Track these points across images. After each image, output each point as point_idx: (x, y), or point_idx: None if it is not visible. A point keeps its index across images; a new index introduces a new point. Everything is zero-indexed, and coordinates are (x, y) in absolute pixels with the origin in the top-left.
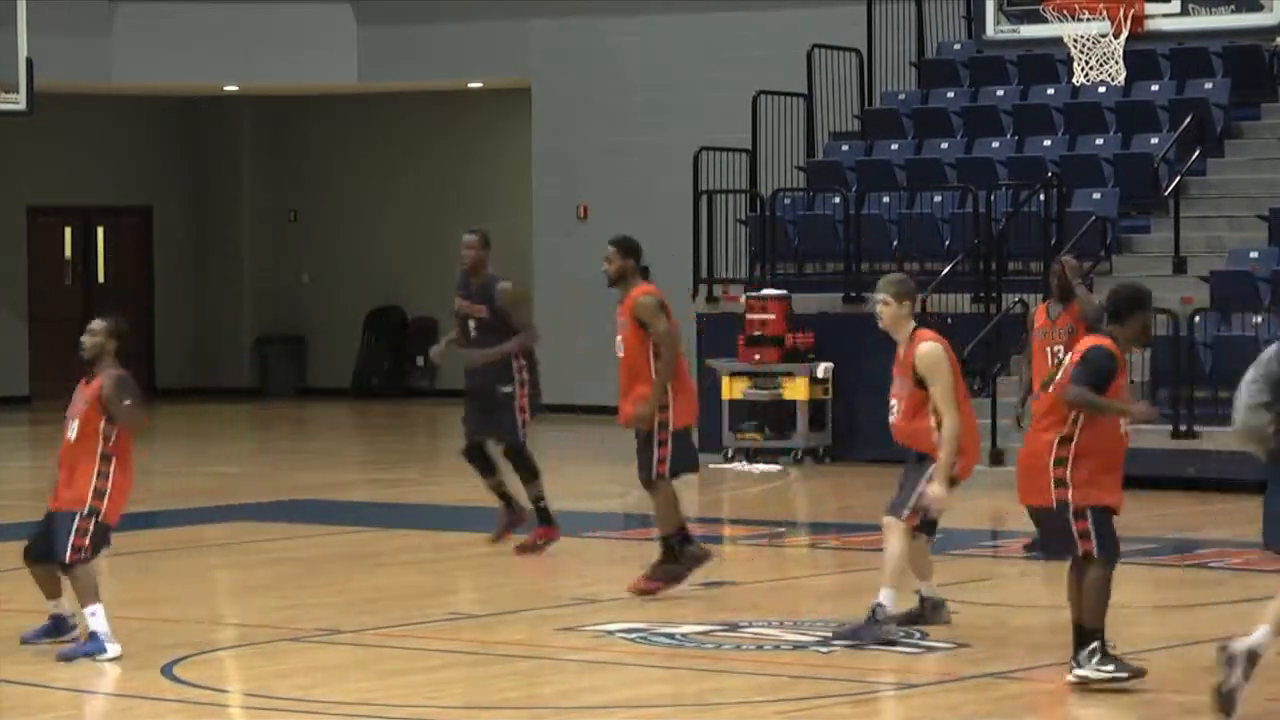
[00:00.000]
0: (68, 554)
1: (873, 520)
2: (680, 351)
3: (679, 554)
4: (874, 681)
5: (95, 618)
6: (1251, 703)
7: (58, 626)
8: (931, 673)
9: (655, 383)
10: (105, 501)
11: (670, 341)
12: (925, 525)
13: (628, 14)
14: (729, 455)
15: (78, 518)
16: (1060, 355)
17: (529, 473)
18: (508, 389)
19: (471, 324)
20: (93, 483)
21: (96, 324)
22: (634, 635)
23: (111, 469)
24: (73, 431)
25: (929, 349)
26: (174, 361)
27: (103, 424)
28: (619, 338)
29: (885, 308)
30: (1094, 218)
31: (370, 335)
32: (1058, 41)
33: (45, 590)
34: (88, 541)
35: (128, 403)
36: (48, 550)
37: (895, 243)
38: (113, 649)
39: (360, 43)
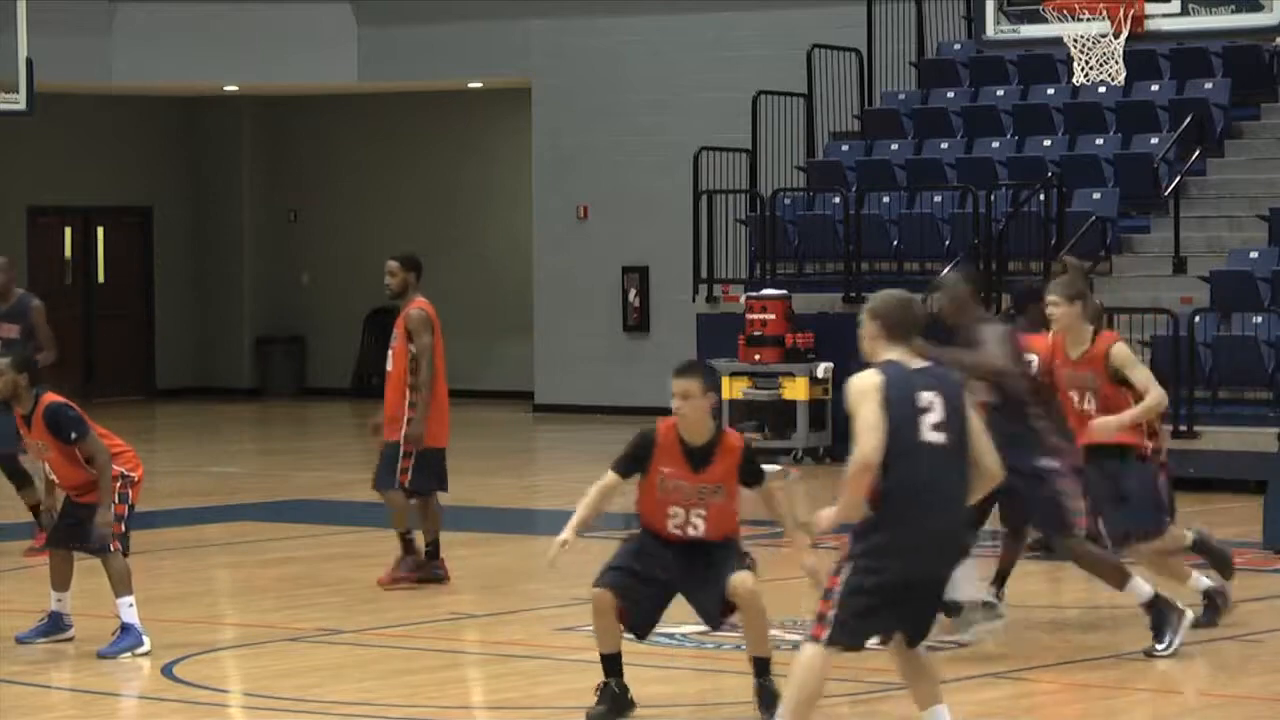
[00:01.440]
0: (109, 544)
1: None
2: (440, 372)
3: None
4: (874, 681)
5: (131, 609)
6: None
7: (55, 624)
8: None
9: (420, 397)
10: (129, 488)
11: (429, 357)
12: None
13: (628, 14)
14: None
15: (110, 509)
16: None
17: (21, 481)
18: None
19: (0, 345)
20: (109, 484)
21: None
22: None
23: (117, 464)
24: (51, 471)
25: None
26: (174, 361)
27: (75, 452)
28: (390, 350)
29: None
30: (1094, 218)
31: (370, 335)
32: (1058, 41)
33: (56, 581)
34: (125, 528)
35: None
36: (71, 537)
37: (895, 243)
38: (147, 641)
39: (360, 43)
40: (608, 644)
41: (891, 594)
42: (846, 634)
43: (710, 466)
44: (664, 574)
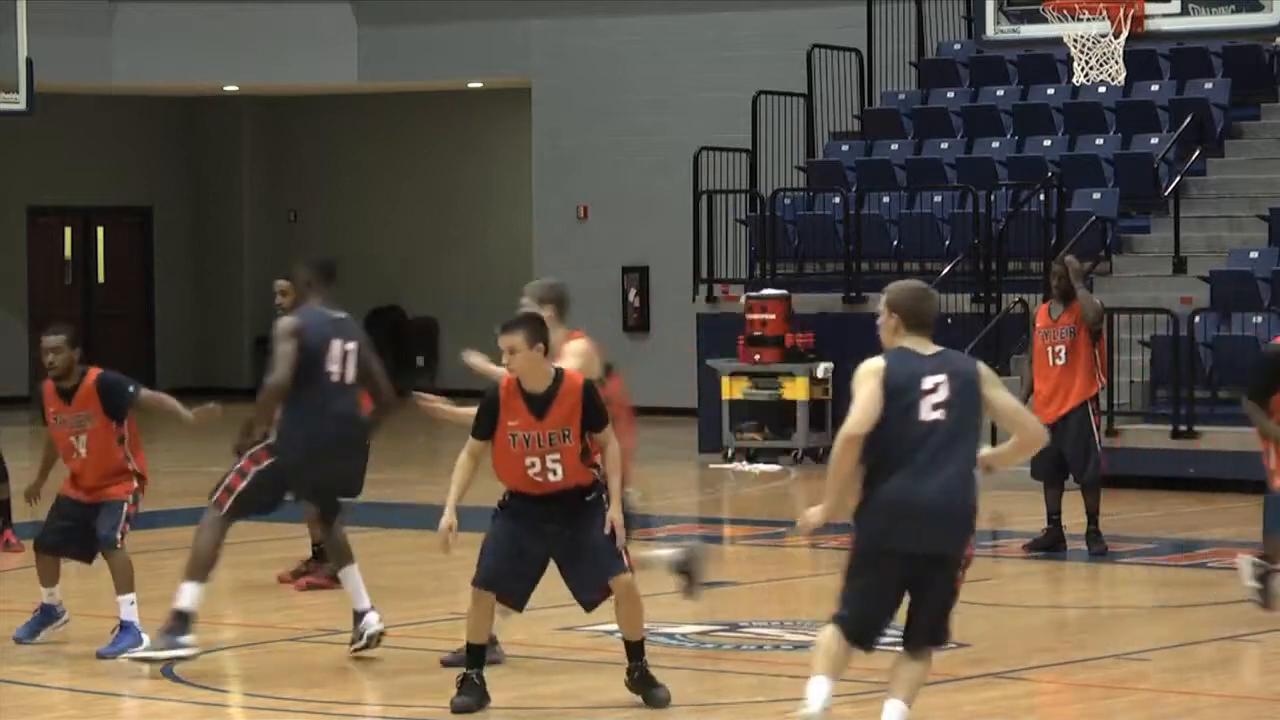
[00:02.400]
0: (118, 540)
1: None
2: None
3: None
4: (874, 681)
5: (132, 606)
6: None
7: (47, 615)
8: (931, 673)
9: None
10: (141, 484)
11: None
12: None
13: (628, 14)
14: (729, 455)
15: (125, 505)
16: (1062, 355)
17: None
18: None
19: None
20: (129, 477)
21: (56, 339)
22: None
23: (135, 462)
24: (84, 448)
25: None
26: (174, 361)
27: (114, 427)
28: None
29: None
30: (1094, 218)
31: (370, 335)
32: (1058, 41)
33: (45, 579)
34: (129, 526)
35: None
36: (67, 541)
37: (895, 243)
38: (146, 639)
39: (360, 43)
40: (478, 635)
41: (894, 569)
42: (858, 620)
43: (551, 411)
44: (538, 547)
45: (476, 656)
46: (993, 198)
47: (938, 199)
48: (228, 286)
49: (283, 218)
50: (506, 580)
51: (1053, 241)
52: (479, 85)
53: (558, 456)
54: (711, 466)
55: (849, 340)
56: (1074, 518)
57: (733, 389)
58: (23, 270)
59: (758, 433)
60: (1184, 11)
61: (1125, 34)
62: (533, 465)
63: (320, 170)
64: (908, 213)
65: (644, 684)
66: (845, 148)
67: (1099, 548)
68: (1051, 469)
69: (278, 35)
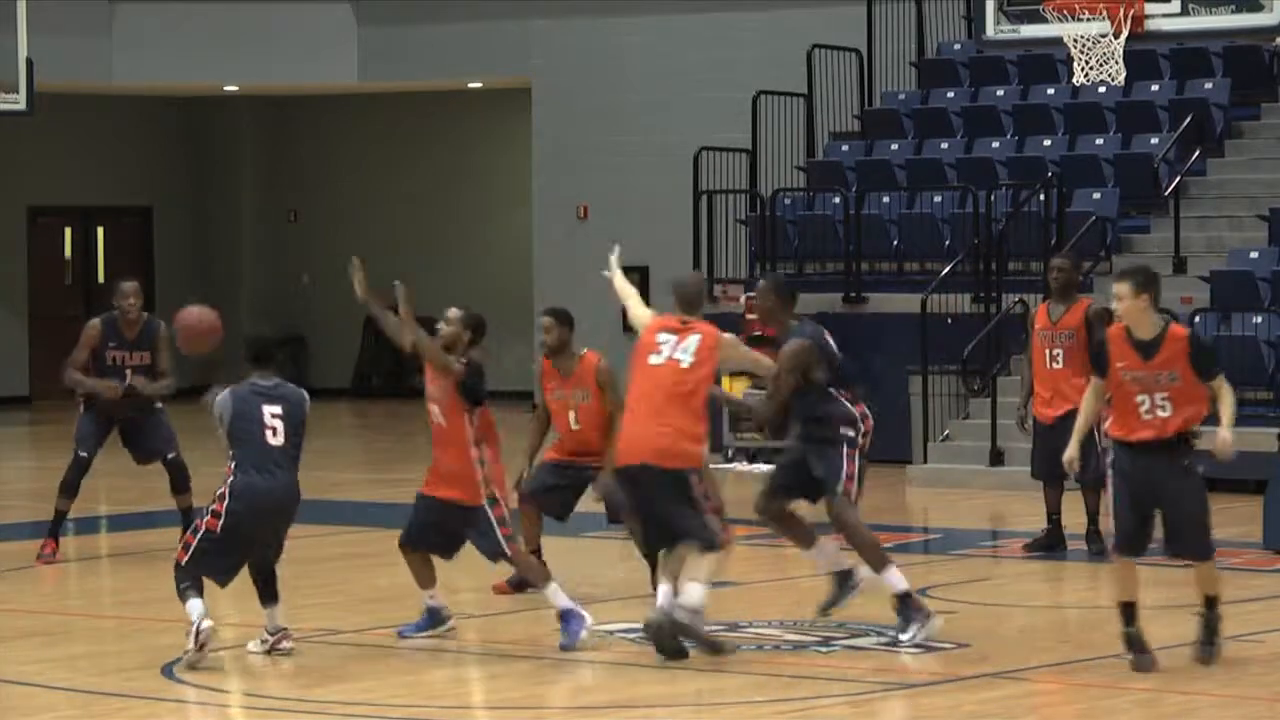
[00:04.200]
0: (506, 547)
1: (873, 520)
2: None
3: None
4: (874, 681)
5: (558, 595)
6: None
7: (433, 619)
8: (931, 673)
9: None
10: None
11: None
12: None
13: (628, 14)
14: (729, 455)
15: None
16: (1059, 359)
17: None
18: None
19: (129, 372)
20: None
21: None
22: (634, 635)
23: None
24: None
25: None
26: (174, 362)
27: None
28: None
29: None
30: (1094, 218)
31: (370, 335)
32: (1058, 41)
33: (420, 580)
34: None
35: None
36: (447, 544)
37: (895, 243)
38: (587, 616)
39: (360, 43)
40: (1126, 594)
41: None
42: None
43: (1158, 355)
44: (1151, 498)
45: (1128, 614)
46: (993, 198)
47: (938, 199)
48: (228, 286)
49: (283, 218)
50: (1140, 542)
51: (1053, 241)
52: (479, 85)
53: (1166, 395)
54: (712, 466)
55: (849, 340)
56: (1074, 518)
57: (733, 389)
58: (23, 270)
59: (758, 433)
60: (1184, 11)
61: (1125, 34)
62: (1143, 402)
63: (320, 170)
64: (908, 213)
65: (1204, 631)
66: (845, 148)
67: (1099, 548)
68: (1052, 469)
69: (278, 35)
